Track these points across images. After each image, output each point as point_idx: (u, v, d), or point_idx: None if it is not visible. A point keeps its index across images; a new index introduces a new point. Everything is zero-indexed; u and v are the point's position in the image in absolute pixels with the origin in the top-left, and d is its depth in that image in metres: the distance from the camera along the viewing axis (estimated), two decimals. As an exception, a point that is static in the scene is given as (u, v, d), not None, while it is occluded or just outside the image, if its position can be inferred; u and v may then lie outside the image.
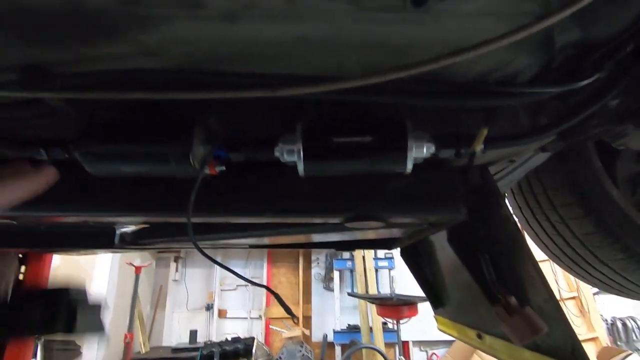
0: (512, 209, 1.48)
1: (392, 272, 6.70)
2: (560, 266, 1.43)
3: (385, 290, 6.59)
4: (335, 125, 0.60)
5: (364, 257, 6.62)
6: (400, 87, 0.58)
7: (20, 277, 2.36)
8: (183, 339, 6.52)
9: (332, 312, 6.67)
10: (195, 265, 7.28)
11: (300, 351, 5.72)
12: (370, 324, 6.16)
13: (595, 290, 6.42)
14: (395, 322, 5.32)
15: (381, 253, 6.85)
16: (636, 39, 0.55)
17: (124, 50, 0.55)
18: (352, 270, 6.87)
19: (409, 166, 0.60)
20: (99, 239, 1.58)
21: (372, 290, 6.36)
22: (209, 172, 0.63)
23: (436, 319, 1.46)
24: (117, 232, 1.61)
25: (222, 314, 7.01)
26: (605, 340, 6.03)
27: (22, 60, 0.55)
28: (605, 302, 6.69)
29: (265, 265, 7.37)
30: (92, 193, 0.68)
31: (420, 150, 0.59)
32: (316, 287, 7.17)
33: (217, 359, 4.70)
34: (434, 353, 6.13)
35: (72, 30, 0.52)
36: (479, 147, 0.59)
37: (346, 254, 7.13)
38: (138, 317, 5.96)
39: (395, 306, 4.66)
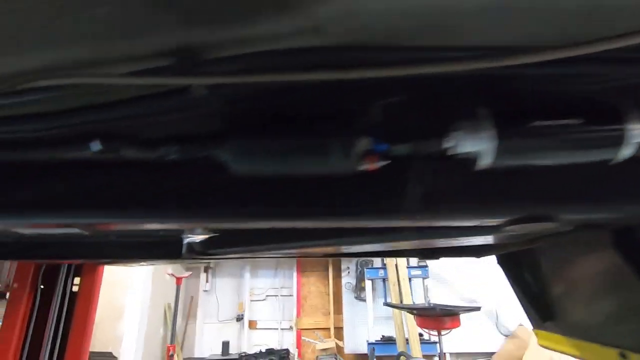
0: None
1: (425, 281, 6.49)
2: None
3: (418, 301, 6.37)
4: (530, 108, 0.50)
5: (396, 266, 6.42)
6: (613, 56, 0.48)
7: (75, 288, 2.34)
8: (214, 351, 6.46)
9: (364, 323, 6.47)
10: (224, 275, 7.25)
11: (335, 363, 5.55)
12: (406, 335, 5.94)
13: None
14: (436, 333, 5.09)
15: (414, 262, 6.64)
16: None
17: (289, 27, 0.47)
18: (384, 280, 6.67)
19: (626, 152, 0.49)
20: (166, 250, 1.53)
21: (407, 300, 6.15)
22: (368, 168, 0.54)
23: (537, 334, 1.32)
24: (185, 241, 1.56)
25: (252, 324, 6.93)
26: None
27: (174, 43, 0.47)
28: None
29: (294, 274, 7.27)
30: (233, 196, 0.60)
31: (640, 135, 0.49)
32: (347, 297, 7.00)
33: (253, 371, 4.60)
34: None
35: (237, 6, 0.44)
36: None
37: (378, 263, 6.94)
38: (171, 327, 5.95)
39: (438, 317, 4.46)
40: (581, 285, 1.05)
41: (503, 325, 6.36)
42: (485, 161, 0.51)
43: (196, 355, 6.55)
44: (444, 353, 6.34)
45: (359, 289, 6.92)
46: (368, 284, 6.60)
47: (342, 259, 7.28)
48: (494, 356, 6.19)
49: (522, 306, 1.32)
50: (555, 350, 1.23)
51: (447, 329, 4.48)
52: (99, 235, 1.46)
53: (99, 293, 2.48)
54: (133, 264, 2.09)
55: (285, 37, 0.48)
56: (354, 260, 7.16)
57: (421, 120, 0.56)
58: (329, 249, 1.36)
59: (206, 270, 7.09)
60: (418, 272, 6.44)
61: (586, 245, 0.98)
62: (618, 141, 0.48)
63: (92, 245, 1.48)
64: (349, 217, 0.61)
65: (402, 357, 4.80)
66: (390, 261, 6.49)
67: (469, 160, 0.53)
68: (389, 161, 0.54)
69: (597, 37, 0.41)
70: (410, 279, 6.46)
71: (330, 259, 7.30)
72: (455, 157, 0.53)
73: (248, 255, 1.64)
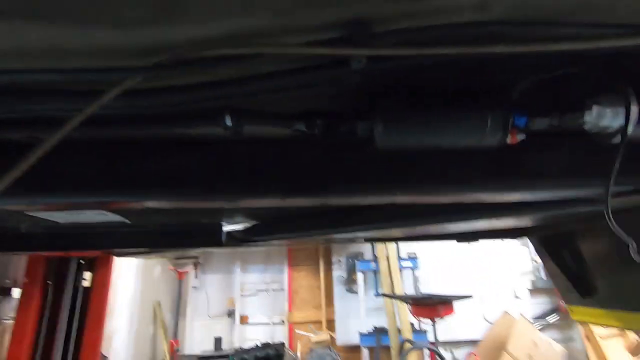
0: None
1: (415, 272, 6.67)
2: None
3: (408, 291, 6.55)
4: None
5: (387, 258, 6.56)
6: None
7: (86, 283, 2.26)
8: (205, 347, 6.37)
9: (356, 315, 6.58)
10: (214, 271, 7.15)
11: (330, 354, 5.62)
12: (398, 325, 6.09)
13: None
14: (429, 321, 5.25)
15: (404, 253, 6.81)
16: None
17: (457, 2, 0.49)
18: (375, 272, 6.80)
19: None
20: (206, 237, 1.51)
21: (398, 291, 6.30)
22: (511, 141, 0.57)
23: (573, 310, 1.41)
24: (224, 229, 1.54)
25: (243, 319, 6.89)
26: (635, 335, 6.03)
27: (351, 14, 0.48)
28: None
29: (285, 269, 7.26)
30: (372, 170, 0.61)
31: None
32: (338, 289, 7.07)
33: (251, 365, 4.59)
34: (472, 353, 6.09)
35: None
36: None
37: (368, 255, 7.06)
38: (161, 325, 5.82)
39: (433, 305, 4.60)
40: (624, 260, 1.13)
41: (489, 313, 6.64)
42: (629, 131, 0.55)
43: (187, 352, 6.44)
44: (433, 342, 6.58)
45: (350, 281, 7.00)
46: (360, 276, 6.70)
47: (333, 252, 7.35)
48: (479, 343, 6.45)
49: (558, 285, 1.40)
50: (593, 323, 1.32)
51: (442, 316, 4.63)
52: (139, 223, 1.42)
53: (109, 288, 2.40)
54: (163, 255, 2.03)
55: (453, 11, 0.50)
56: (344, 253, 7.24)
57: (560, 95, 0.59)
58: (379, 233, 1.38)
59: (195, 266, 6.96)
60: (409, 263, 6.61)
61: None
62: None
63: (129, 234, 1.44)
64: (488, 191, 0.64)
65: (406, 344, 4.93)
66: (381, 253, 6.62)
67: (602, 134, 0.57)
68: (526, 135, 0.57)
69: None
70: (400, 270, 6.63)
71: (321, 253, 7.35)
72: (589, 132, 0.57)
73: (291, 240, 1.64)
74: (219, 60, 0.48)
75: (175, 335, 4.93)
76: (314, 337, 5.87)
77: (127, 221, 1.33)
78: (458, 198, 0.68)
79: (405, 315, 5.94)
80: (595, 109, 0.55)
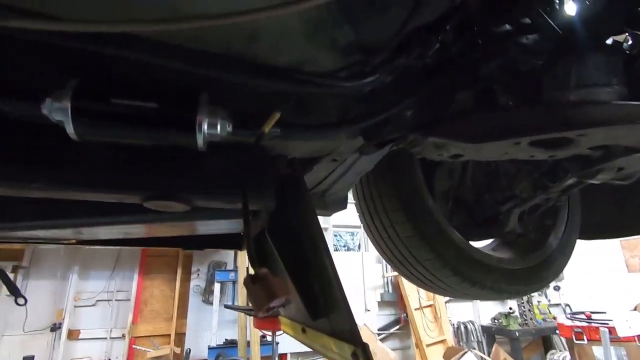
0: (358, 214, 1.60)
1: (276, 283, 6.70)
2: (391, 266, 1.60)
3: (268, 303, 6.53)
4: (117, 86, 0.54)
5: (248, 269, 6.46)
6: (198, 57, 0.56)
7: None
8: (12, 369, 5.28)
9: (210, 328, 6.26)
10: (42, 277, 6.05)
11: (167, 372, 5.19)
12: (249, 338, 5.98)
13: (447, 299, 7.56)
14: (272, 334, 5.26)
15: (267, 264, 6.79)
16: (407, 52, 0.64)
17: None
18: (234, 282, 6.61)
19: (200, 142, 0.57)
20: None
21: (254, 303, 6.22)
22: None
23: (280, 320, 1.47)
24: None
25: (73, 334, 5.93)
26: (451, 341, 7.04)
27: None
28: (455, 309, 7.89)
29: (135, 276, 6.56)
30: None
31: (213, 127, 0.58)
32: (194, 300, 6.66)
33: (54, 389, 3.91)
34: None
35: None
36: (268, 128, 0.60)
37: (230, 265, 6.85)
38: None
39: (273, 317, 4.63)
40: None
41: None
42: (70, 132, 0.53)
43: (-18, 377, 5.24)
44: (286, 353, 6.64)
45: (208, 292, 6.66)
46: (217, 287, 6.42)
47: (194, 261, 6.92)
48: (329, 353, 6.74)
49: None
50: (287, 333, 1.39)
51: (281, 328, 4.69)
52: None
53: None
54: None
55: None
56: (206, 262, 6.89)
57: (21, 84, 0.55)
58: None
59: (15, 270, 5.80)
60: (269, 275, 6.61)
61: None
62: (191, 129, 0.56)
63: None
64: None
65: (220, 357, 4.84)
66: (242, 264, 6.48)
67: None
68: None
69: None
70: (261, 282, 6.57)
71: (180, 262, 6.84)
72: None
73: None
74: None
75: None
76: (151, 353, 5.35)
77: None
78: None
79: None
80: (46, 100, 0.52)
